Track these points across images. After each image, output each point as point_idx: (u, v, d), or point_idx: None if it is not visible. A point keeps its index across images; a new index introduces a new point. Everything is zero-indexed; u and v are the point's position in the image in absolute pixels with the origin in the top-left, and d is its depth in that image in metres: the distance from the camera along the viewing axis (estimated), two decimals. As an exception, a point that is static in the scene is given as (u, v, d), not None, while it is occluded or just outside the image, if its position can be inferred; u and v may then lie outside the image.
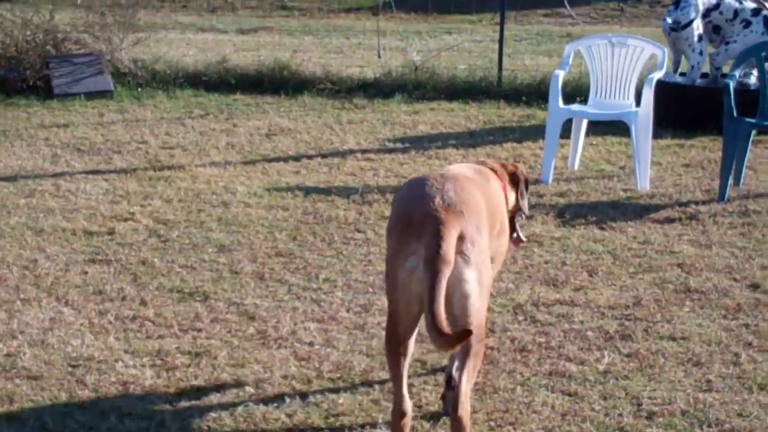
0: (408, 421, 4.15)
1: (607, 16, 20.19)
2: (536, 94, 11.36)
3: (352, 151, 9.37)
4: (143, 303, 5.87)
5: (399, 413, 4.13)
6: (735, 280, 6.30)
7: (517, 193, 4.86)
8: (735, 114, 7.98)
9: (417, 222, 4.00)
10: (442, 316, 3.78)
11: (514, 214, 4.91)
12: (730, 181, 8.02)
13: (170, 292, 6.04)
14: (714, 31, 10.47)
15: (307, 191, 8.08)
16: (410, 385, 4.51)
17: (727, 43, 10.30)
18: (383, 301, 5.50)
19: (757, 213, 7.60)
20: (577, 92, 10.60)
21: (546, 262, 6.59)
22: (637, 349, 5.28)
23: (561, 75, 8.57)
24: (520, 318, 5.72)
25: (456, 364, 4.32)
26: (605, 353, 5.24)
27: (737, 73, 8.27)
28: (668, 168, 8.89)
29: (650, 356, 5.20)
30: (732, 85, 7.99)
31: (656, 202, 7.94)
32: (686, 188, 8.28)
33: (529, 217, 6.98)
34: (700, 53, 10.33)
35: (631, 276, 6.37)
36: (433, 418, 4.59)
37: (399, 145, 9.65)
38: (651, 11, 20.48)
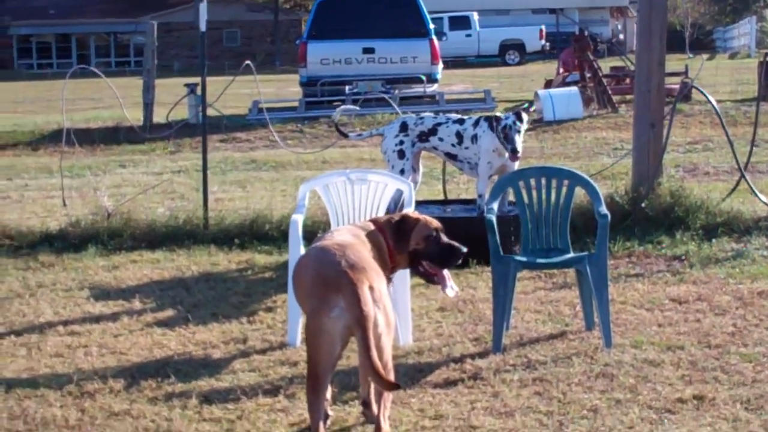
0: None
1: (286, 138, 19.36)
2: (249, 235, 10.18)
3: (51, 325, 7.80)
4: None
5: None
6: (562, 460, 5.29)
7: (406, 240, 5.58)
8: (501, 253, 7.10)
9: (332, 281, 4.91)
10: (377, 361, 4.74)
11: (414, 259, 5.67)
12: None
13: None
14: (451, 158, 9.69)
15: (8, 385, 6.48)
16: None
17: (472, 168, 9.55)
18: None
19: (542, 364, 6.69)
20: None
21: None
22: None
23: (300, 220, 7.42)
24: None
25: (373, 395, 5.46)
26: None
27: (495, 205, 7.39)
28: (423, 314, 7.89)
29: None
30: (494, 219, 7.12)
31: (427, 360, 6.89)
32: (452, 338, 7.29)
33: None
34: (402, 172, 9.48)
35: (441, 468, 5.25)
36: None
37: (106, 310, 8.17)
38: (330, 131, 19.85)
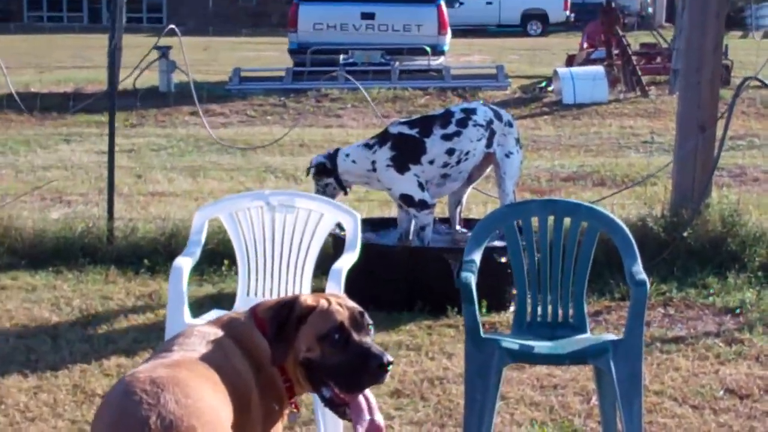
0: None
1: (267, 113, 16.93)
2: (164, 255, 7.70)
3: None
4: None
5: None
6: None
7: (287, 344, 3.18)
8: (482, 334, 4.67)
9: None
10: None
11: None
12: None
13: None
14: None
15: None
16: None
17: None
18: None
19: None
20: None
21: None
22: None
23: (187, 267, 4.97)
24: None
25: None
26: None
27: (477, 257, 4.93)
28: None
29: None
30: (473, 281, 4.69)
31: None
32: (406, 452, 4.90)
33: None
34: None
35: None
36: None
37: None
38: (317, 106, 17.39)
